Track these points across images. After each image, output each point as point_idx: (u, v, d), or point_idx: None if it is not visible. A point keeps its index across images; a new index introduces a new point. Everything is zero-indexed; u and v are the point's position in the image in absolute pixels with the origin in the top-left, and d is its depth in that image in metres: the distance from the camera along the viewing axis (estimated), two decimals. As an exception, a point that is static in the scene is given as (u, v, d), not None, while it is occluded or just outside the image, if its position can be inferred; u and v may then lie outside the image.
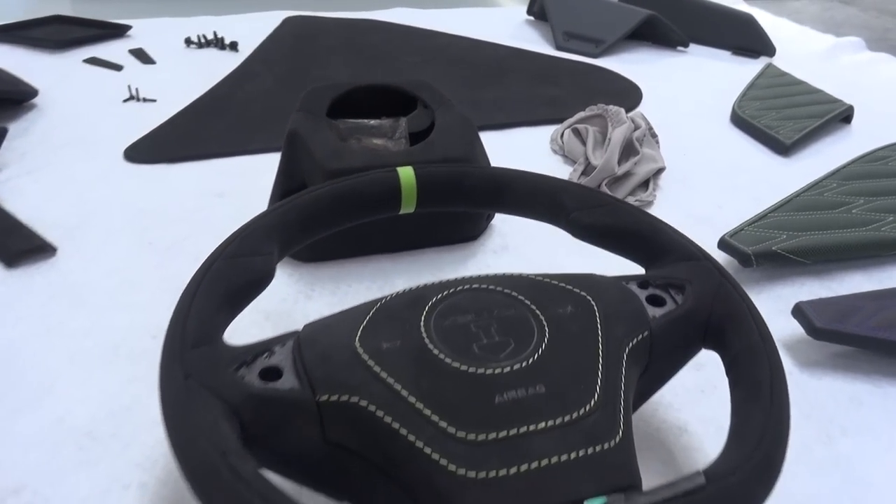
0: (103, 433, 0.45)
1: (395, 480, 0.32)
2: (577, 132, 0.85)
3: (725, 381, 0.38)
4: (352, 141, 0.67)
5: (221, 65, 1.11)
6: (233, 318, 0.37)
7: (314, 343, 0.35)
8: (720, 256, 0.64)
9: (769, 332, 0.37)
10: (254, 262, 0.38)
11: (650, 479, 0.45)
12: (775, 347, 0.36)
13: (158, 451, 0.44)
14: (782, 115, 0.96)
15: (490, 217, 0.70)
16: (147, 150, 0.82)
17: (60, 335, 0.53)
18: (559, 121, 0.92)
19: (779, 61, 1.25)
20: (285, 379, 0.33)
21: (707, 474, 0.30)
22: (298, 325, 0.37)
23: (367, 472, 0.33)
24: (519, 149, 0.88)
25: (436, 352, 0.34)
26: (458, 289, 0.39)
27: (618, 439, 0.32)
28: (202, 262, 0.37)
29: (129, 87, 0.98)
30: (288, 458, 0.35)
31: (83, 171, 0.77)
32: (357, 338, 0.35)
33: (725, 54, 1.32)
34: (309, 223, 0.43)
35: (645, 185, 0.78)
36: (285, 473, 0.36)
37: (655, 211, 0.75)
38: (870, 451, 0.47)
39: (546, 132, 0.92)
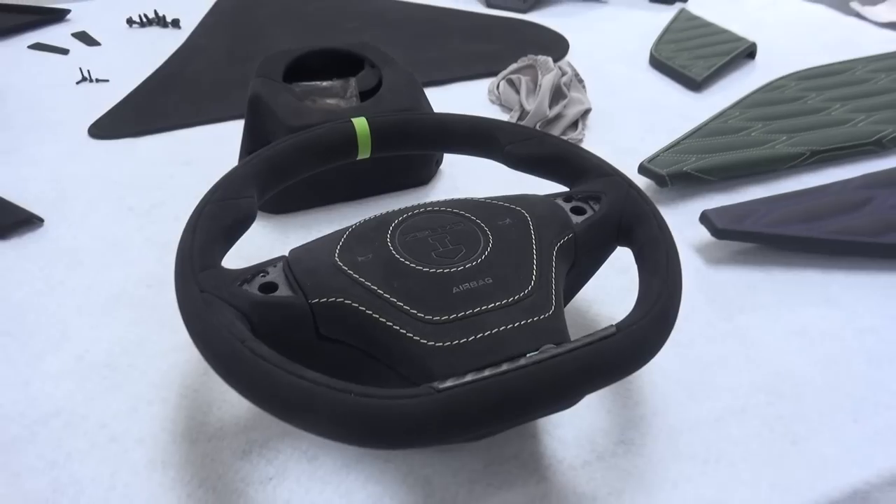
0: (121, 364, 0.52)
1: (379, 359, 0.40)
2: (511, 82, 0.93)
3: None
4: (307, 102, 0.74)
5: (166, 42, 1.14)
6: (227, 249, 0.44)
7: (301, 261, 0.43)
8: (640, 180, 0.74)
9: (667, 226, 0.47)
10: (239, 204, 0.45)
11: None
12: (671, 237, 0.46)
13: (173, 373, 0.51)
14: (694, 54, 1.06)
15: (439, 162, 0.78)
16: (111, 127, 0.86)
17: (64, 292, 0.59)
18: (494, 74, 0.99)
19: (691, 6, 1.35)
20: (281, 291, 0.41)
21: (617, 326, 0.39)
22: None
23: (356, 358, 0.41)
24: (460, 101, 0.95)
25: (402, 259, 0.42)
26: (416, 212, 0.47)
27: (551, 311, 0.41)
28: (192, 209, 0.44)
29: (80, 69, 1.01)
30: (290, 351, 0.42)
31: (52, 150, 0.81)
32: (336, 254, 0.43)
33: (643, 2, 1.41)
34: (279, 171, 0.50)
35: (574, 125, 0.87)
36: None
37: (585, 147, 0.84)
38: (762, 324, 0.58)
39: (483, 85, 1.00)
